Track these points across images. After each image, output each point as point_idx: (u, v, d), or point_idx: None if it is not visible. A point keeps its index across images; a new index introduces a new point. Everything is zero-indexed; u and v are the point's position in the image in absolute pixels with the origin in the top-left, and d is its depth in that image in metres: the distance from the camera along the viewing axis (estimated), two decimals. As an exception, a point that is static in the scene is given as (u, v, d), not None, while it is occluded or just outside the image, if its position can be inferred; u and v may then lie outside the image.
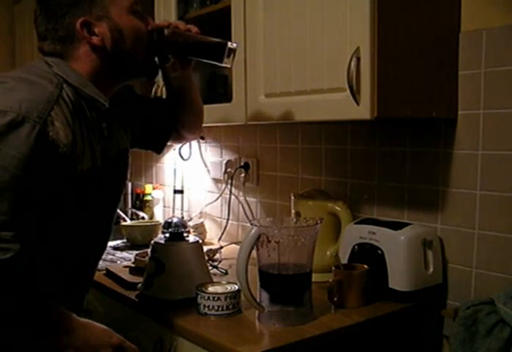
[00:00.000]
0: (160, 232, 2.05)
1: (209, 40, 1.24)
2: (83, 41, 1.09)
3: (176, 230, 1.42)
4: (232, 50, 1.22)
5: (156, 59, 1.24)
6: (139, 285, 1.41)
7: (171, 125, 1.41)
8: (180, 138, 1.46)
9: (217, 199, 2.13)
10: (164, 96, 1.70)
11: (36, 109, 0.96)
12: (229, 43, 1.22)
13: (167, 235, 1.41)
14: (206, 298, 1.24)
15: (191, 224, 2.09)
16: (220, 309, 1.24)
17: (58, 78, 1.05)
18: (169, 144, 1.47)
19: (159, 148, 1.44)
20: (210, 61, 1.26)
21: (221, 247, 1.86)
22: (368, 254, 1.37)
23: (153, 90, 1.75)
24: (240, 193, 2.04)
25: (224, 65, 1.24)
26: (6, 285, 0.92)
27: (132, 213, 2.40)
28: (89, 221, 1.14)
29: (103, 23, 1.10)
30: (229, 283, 1.32)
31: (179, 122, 1.41)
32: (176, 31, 1.22)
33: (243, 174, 2.00)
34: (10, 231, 0.92)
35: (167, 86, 1.38)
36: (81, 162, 1.05)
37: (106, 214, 1.23)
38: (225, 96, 1.70)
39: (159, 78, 1.75)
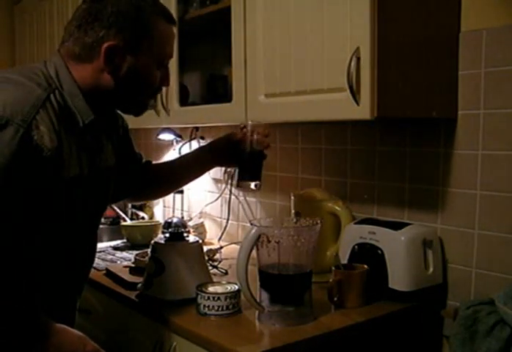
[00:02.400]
0: (160, 232, 2.05)
1: (258, 166, 1.32)
2: (99, 60, 1.06)
3: (176, 230, 1.42)
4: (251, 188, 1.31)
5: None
6: (139, 285, 1.41)
7: (138, 190, 1.41)
8: (136, 200, 1.52)
9: (217, 199, 2.13)
10: (165, 98, 1.71)
11: (21, 112, 0.94)
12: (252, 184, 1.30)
13: (167, 235, 1.41)
14: (206, 298, 1.24)
15: (191, 224, 2.10)
16: (220, 309, 1.24)
17: (50, 82, 1.04)
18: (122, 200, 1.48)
19: (114, 200, 1.40)
20: (246, 180, 1.32)
21: (221, 247, 1.86)
22: (368, 254, 1.37)
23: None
24: (241, 193, 2.04)
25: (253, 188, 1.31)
26: None
27: (132, 213, 2.40)
28: (72, 231, 1.12)
29: (128, 57, 1.07)
30: (229, 283, 1.32)
31: (147, 193, 1.45)
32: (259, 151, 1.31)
33: (243, 174, 2.00)
34: None
35: (171, 175, 1.43)
36: (67, 168, 1.03)
37: (88, 227, 1.20)
38: (225, 96, 1.70)
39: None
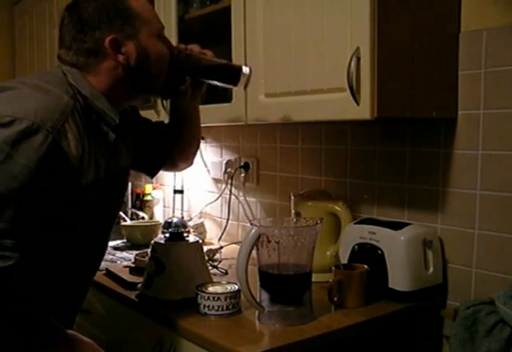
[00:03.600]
0: (160, 232, 2.05)
1: (224, 64, 1.26)
2: (108, 57, 1.09)
3: (176, 230, 1.42)
4: (248, 74, 1.24)
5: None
6: (139, 285, 1.41)
7: (167, 151, 1.41)
8: (172, 166, 1.47)
9: (217, 199, 2.13)
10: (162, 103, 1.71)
11: (51, 119, 0.95)
12: (243, 67, 1.24)
13: (167, 235, 1.41)
14: (206, 298, 1.24)
15: (191, 224, 2.09)
16: (220, 309, 1.24)
17: (72, 88, 1.05)
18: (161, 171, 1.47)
19: (152, 172, 1.44)
20: (225, 85, 1.28)
21: (221, 247, 1.86)
22: (368, 254, 1.37)
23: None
24: (240, 193, 2.04)
25: (238, 88, 1.26)
26: (3, 294, 0.91)
27: (132, 213, 2.40)
28: (86, 235, 1.13)
29: (131, 42, 1.10)
30: (229, 283, 1.32)
31: (175, 151, 1.42)
32: (192, 54, 1.24)
33: (243, 174, 2.00)
34: (12, 239, 0.90)
35: (172, 113, 1.39)
36: (85, 174, 1.04)
37: (103, 229, 1.21)
38: (225, 96, 1.70)
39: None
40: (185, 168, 1.53)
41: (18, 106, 0.94)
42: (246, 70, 1.24)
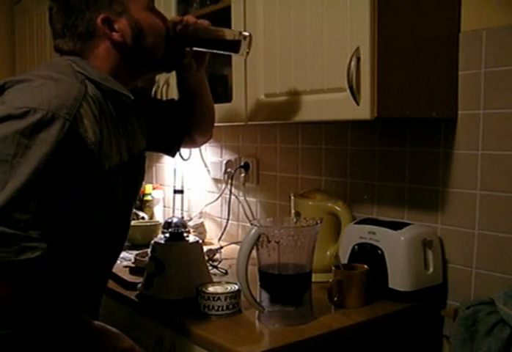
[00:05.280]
0: (160, 232, 2.05)
1: (223, 32, 1.23)
2: (104, 37, 1.09)
3: (176, 230, 1.42)
4: (247, 39, 1.21)
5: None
6: (139, 285, 1.41)
7: (184, 128, 1.41)
8: (191, 141, 1.46)
9: (217, 199, 2.13)
10: (166, 97, 1.71)
11: (65, 106, 0.94)
12: (243, 33, 1.22)
13: (167, 235, 1.41)
14: (206, 298, 1.24)
15: (191, 224, 2.09)
16: (220, 309, 1.24)
17: (80, 75, 1.05)
18: (182, 148, 1.46)
19: (173, 151, 1.44)
20: (226, 53, 1.26)
21: (221, 247, 1.86)
22: (368, 254, 1.37)
23: (153, 90, 1.75)
24: (240, 193, 2.04)
25: (240, 55, 1.24)
26: (32, 285, 0.91)
27: (132, 213, 2.39)
28: (112, 220, 1.13)
29: (123, 19, 1.10)
30: (229, 283, 1.32)
31: (191, 126, 1.41)
32: (188, 25, 1.22)
33: (243, 174, 2.00)
34: (37, 230, 0.90)
35: (180, 88, 1.38)
36: (109, 159, 1.03)
37: (126, 215, 1.21)
38: (225, 96, 1.70)
39: (158, 78, 1.76)
40: (205, 142, 1.52)
41: (31, 97, 0.94)
42: (245, 35, 1.22)
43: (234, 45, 1.22)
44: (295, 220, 1.30)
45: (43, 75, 1.02)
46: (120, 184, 1.10)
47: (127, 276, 1.53)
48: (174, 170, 2.33)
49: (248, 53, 1.24)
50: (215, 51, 1.26)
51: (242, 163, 2.01)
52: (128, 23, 1.10)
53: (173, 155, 1.46)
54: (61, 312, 0.97)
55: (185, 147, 1.49)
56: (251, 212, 2.00)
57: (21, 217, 0.87)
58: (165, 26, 1.18)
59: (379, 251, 1.35)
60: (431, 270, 1.36)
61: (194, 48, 1.25)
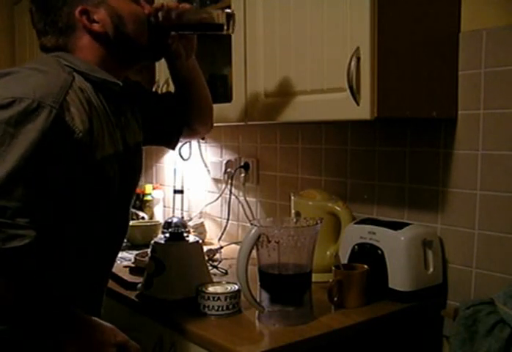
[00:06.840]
0: (160, 232, 2.05)
1: (206, 13, 1.24)
2: (85, 30, 1.09)
3: (176, 230, 1.42)
4: (231, 17, 1.21)
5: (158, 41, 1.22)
6: (139, 285, 1.41)
7: (182, 119, 1.40)
8: (192, 132, 1.45)
9: (217, 199, 2.13)
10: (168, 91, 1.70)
11: (51, 94, 0.94)
12: (226, 10, 1.22)
13: (167, 235, 1.41)
14: (206, 298, 1.24)
15: (191, 224, 2.09)
16: (220, 309, 1.24)
17: (68, 68, 1.05)
18: (183, 140, 1.45)
19: (172, 144, 1.43)
20: (212, 32, 1.25)
21: (221, 247, 1.86)
22: (368, 254, 1.37)
23: (153, 89, 1.75)
24: (240, 193, 2.04)
25: (225, 33, 1.24)
26: (18, 274, 0.90)
27: (132, 213, 2.40)
28: (110, 214, 1.13)
29: (102, 9, 1.10)
30: (229, 283, 1.32)
31: (190, 115, 1.40)
32: (171, 10, 1.20)
33: (243, 174, 2.00)
34: (25, 217, 0.89)
35: (174, 78, 1.37)
36: (101, 148, 1.03)
37: (124, 208, 1.21)
38: (225, 96, 1.70)
39: (158, 78, 1.76)
40: (206, 132, 1.51)
41: (17, 87, 0.94)
42: (229, 12, 1.22)
43: (219, 25, 1.22)
44: (295, 220, 1.30)
45: (30, 67, 1.02)
46: (116, 174, 1.09)
47: (127, 276, 1.53)
48: (174, 170, 2.33)
49: (234, 29, 1.23)
50: (201, 32, 1.26)
51: (242, 163, 2.01)
52: (106, 12, 1.10)
53: (173, 148, 1.46)
54: (49, 301, 0.96)
55: (187, 138, 1.48)
56: (251, 212, 2.00)
57: (8, 204, 0.87)
58: (147, 12, 1.17)
59: (379, 251, 1.35)
60: (431, 270, 1.36)
61: (180, 32, 1.25)
